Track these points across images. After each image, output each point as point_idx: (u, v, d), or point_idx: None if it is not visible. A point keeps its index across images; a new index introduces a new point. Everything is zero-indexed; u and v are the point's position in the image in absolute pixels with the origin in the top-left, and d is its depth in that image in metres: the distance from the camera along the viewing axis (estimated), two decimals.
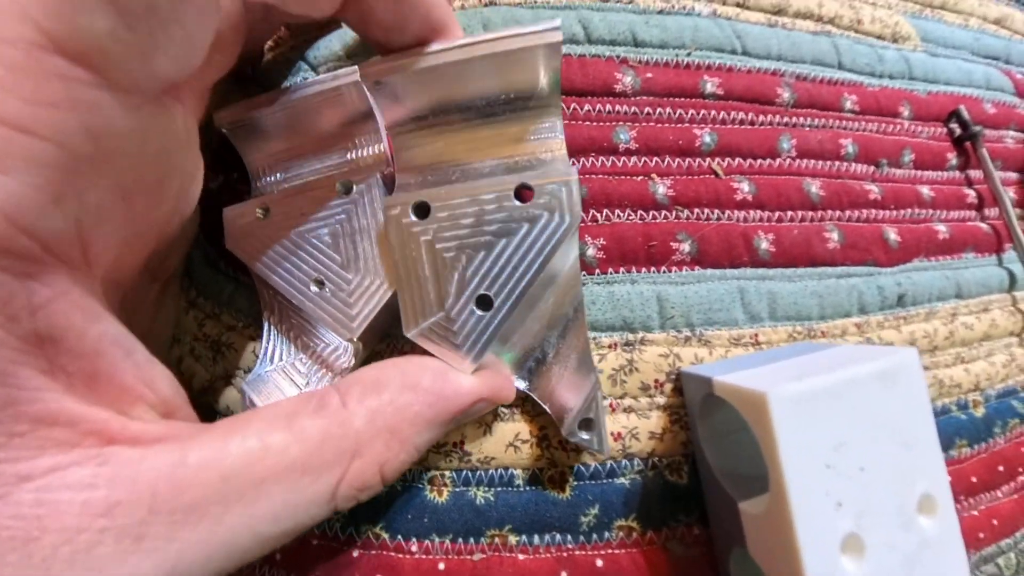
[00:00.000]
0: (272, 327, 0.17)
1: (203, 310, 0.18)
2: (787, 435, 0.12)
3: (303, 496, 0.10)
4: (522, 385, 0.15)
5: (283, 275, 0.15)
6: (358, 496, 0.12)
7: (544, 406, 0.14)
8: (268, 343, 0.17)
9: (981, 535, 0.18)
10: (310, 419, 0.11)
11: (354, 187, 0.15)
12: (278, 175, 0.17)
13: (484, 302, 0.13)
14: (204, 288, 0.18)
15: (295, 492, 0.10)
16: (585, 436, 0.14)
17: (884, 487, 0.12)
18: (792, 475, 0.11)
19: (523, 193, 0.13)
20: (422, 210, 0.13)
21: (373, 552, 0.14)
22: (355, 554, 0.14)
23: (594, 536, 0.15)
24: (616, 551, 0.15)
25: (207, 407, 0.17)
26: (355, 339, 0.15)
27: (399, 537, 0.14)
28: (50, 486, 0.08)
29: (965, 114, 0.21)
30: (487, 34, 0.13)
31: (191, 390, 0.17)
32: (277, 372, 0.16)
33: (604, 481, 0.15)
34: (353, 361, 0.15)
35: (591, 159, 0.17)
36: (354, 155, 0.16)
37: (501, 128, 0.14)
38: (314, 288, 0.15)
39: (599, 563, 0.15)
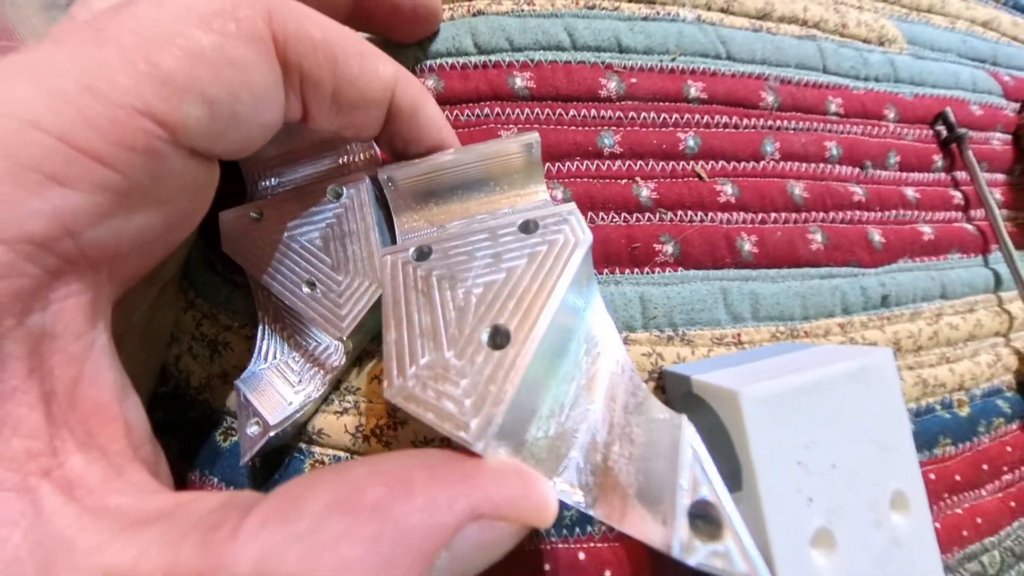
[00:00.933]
0: (267, 327, 0.17)
1: (201, 310, 0.18)
2: (758, 432, 0.12)
3: None
4: (576, 496, 0.10)
5: (276, 277, 0.16)
6: None
7: (624, 529, 0.09)
8: (262, 342, 0.17)
9: (965, 533, 0.18)
10: (191, 545, 0.08)
11: (344, 191, 0.16)
12: (273, 180, 0.18)
13: (498, 337, 0.10)
14: (202, 289, 0.18)
15: None
16: (719, 548, 0.09)
17: (856, 484, 0.13)
18: (763, 471, 0.12)
19: (528, 226, 0.12)
20: (423, 253, 0.13)
21: None
22: None
23: (576, 530, 0.15)
24: (598, 544, 0.15)
25: (204, 404, 0.18)
26: (344, 338, 0.15)
27: None
28: None
29: (951, 116, 0.21)
30: (480, 144, 0.15)
31: (189, 387, 0.18)
32: (271, 370, 0.17)
33: None
34: (344, 359, 0.16)
35: (576, 163, 0.17)
36: (345, 159, 0.17)
37: (493, 195, 0.16)
38: (306, 289, 0.16)
39: (581, 556, 0.15)
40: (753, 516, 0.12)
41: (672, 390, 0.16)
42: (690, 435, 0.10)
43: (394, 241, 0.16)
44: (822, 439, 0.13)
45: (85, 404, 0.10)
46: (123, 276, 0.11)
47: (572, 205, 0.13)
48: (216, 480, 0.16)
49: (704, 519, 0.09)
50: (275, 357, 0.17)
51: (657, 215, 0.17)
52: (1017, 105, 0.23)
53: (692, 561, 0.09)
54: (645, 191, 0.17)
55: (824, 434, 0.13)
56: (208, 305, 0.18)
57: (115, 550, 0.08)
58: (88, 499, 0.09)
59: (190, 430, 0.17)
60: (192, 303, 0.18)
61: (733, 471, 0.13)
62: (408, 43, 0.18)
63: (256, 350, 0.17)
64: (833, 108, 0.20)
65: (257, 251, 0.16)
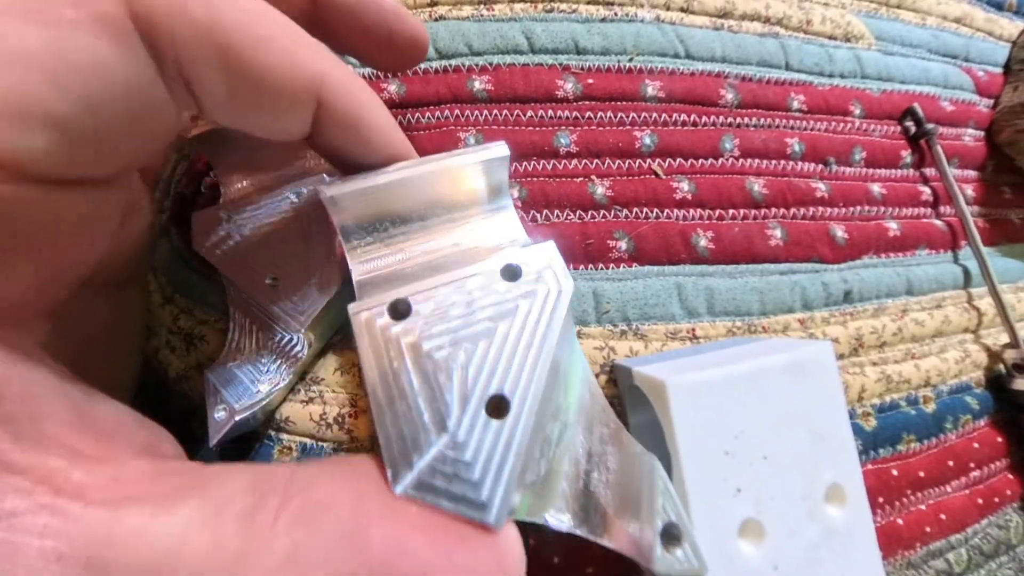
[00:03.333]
0: (237, 320, 0.18)
1: (178, 305, 0.19)
2: (684, 421, 0.12)
3: None
4: (564, 523, 0.10)
5: (243, 273, 0.17)
6: None
7: (604, 542, 0.10)
8: (233, 334, 0.18)
9: (928, 529, 0.18)
10: (233, 525, 0.09)
11: (304, 191, 0.16)
12: (244, 182, 0.18)
13: (498, 406, 0.10)
14: (179, 285, 0.19)
15: None
16: (679, 554, 0.10)
17: (788, 475, 0.13)
18: (688, 460, 0.12)
19: (510, 273, 0.12)
20: (400, 310, 0.11)
21: None
22: None
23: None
24: (547, 531, 0.16)
25: (182, 395, 0.18)
26: (304, 331, 0.16)
27: None
28: (13, 528, 0.08)
29: (919, 112, 0.21)
30: (439, 155, 0.13)
31: (167, 379, 0.19)
32: (240, 361, 0.17)
33: None
34: (307, 350, 0.17)
35: (532, 163, 0.18)
36: (310, 163, 0.18)
37: (456, 213, 0.14)
38: (269, 283, 0.16)
39: (532, 542, 0.15)
40: (682, 505, 0.12)
41: (621, 383, 0.16)
42: (660, 468, 0.12)
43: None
44: (753, 430, 0.13)
45: (53, 434, 0.09)
46: (41, 306, 0.10)
47: (551, 244, 0.12)
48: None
49: (667, 534, 0.11)
50: (244, 349, 0.18)
51: (612, 212, 0.18)
52: (991, 101, 0.23)
53: (661, 568, 0.10)
54: (600, 189, 0.18)
55: (756, 425, 0.13)
56: (185, 300, 0.19)
57: (157, 530, 0.08)
58: (106, 497, 0.09)
59: (170, 419, 0.18)
60: (170, 298, 0.19)
61: (668, 462, 0.13)
62: (393, 72, 0.17)
63: (227, 343, 0.18)
64: (796, 105, 0.20)
65: (226, 249, 0.17)
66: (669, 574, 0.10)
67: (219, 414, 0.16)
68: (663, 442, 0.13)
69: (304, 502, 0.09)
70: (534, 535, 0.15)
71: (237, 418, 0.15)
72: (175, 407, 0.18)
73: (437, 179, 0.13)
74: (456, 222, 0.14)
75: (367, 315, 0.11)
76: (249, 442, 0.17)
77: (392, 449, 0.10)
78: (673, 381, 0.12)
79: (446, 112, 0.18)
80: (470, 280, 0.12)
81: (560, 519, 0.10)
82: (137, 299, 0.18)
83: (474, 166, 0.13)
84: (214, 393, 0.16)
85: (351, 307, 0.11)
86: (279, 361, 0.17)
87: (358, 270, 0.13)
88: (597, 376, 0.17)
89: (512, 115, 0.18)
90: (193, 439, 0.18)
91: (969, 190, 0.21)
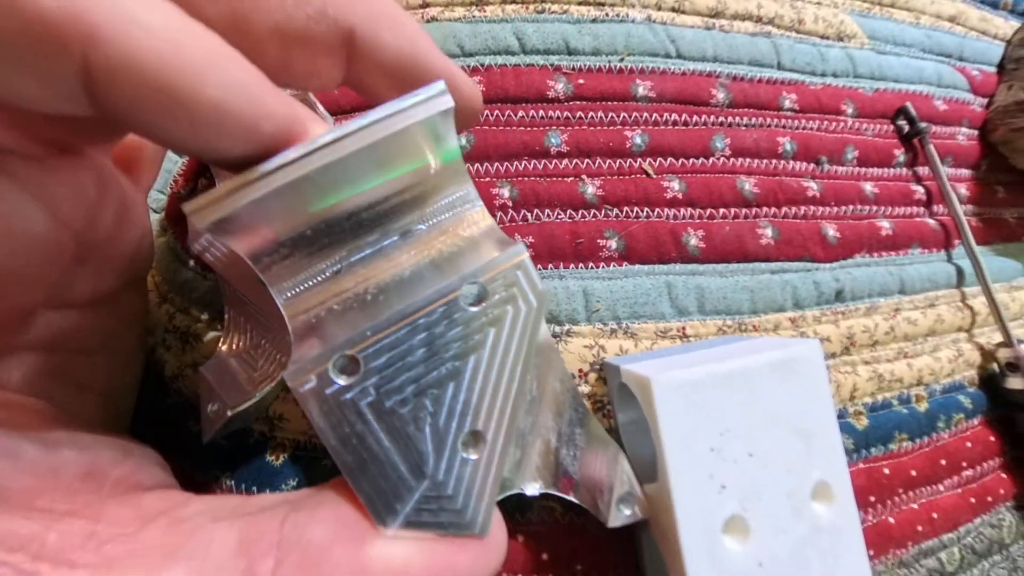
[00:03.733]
0: (231, 318, 0.18)
1: (174, 304, 0.19)
2: (669, 419, 0.12)
3: None
4: (535, 488, 0.12)
5: (237, 271, 0.17)
6: None
7: (570, 497, 0.13)
8: (227, 332, 0.18)
9: (920, 528, 0.18)
10: None
11: None
12: None
13: (473, 441, 0.10)
14: (175, 284, 0.20)
15: None
16: (627, 512, 0.13)
17: (774, 473, 0.13)
18: (673, 457, 0.12)
19: (474, 295, 0.10)
20: (348, 368, 0.09)
21: None
22: None
23: (516, 515, 0.16)
24: (536, 527, 0.16)
25: (178, 392, 0.19)
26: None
27: None
28: None
29: (912, 111, 0.21)
30: (353, 124, 0.09)
31: (163, 377, 0.19)
32: (234, 358, 0.18)
33: None
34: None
35: (523, 162, 0.18)
36: None
37: (403, 226, 0.11)
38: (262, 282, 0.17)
39: (520, 539, 0.16)
40: (665, 502, 0.12)
41: (610, 381, 0.16)
42: (623, 456, 0.14)
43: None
44: (739, 428, 0.13)
45: (16, 480, 0.09)
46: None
47: (520, 247, 0.10)
48: (187, 464, 0.17)
49: (622, 500, 0.13)
50: (238, 346, 0.18)
51: (603, 211, 0.18)
52: (984, 100, 0.23)
53: (614, 523, 0.13)
54: (591, 188, 0.18)
55: (742, 423, 0.13)
56: (180, 299, 0.19)
57: None
58: (90, 561, 0.08)
59: (166, 417, 0.18)
60: (166, 297, 0.20)
61: (651, 458, 0.13)
62: None
63: (221, 340, 0.18)
64: (787, 104, 0.20)
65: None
66: (617, 525, 0.13)
67: (212, 410, 0.16)
68: (650, 439, 0.13)
69: (301, 559, 0.09)
70: (523, 531, 0.16)
71: (230, 414, 0.15)
72: (172, 404, 0.19)
73: (354, 166, 0.09)
74: (396, 217, 0.11)
75: (312, 386, 0.09)
76: (243, 437, 0.18)
77: (374, 504, 0.09)
78: (658, 379, 0.12)
79: None
80: (427, 313, 0.10)
81: (533, 487, 0.12)
82: (135, 303, 0.18)
83: (411, 128, 0.09)
84: (208, 390, 0.16)
85: (287, 375, 0.09)
86: (273, 358, 0.17)
87: (288, 311, 0.10)
88: (587, 374, 0.17)
89: (503, 115, 0.18)
90: (190, 435, 0.18)
91: (963, 189, 0.21)
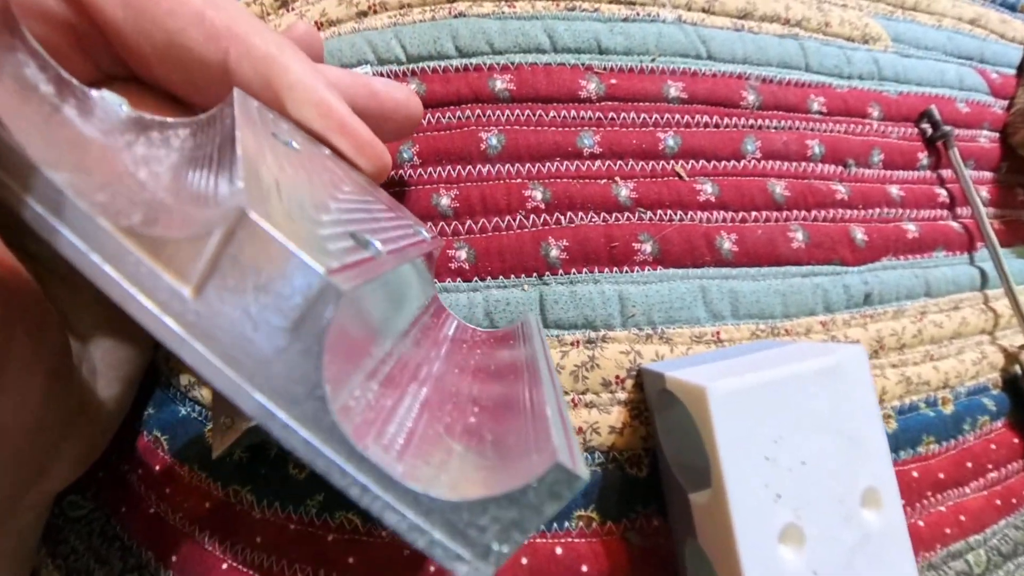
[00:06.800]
0: None
1: None
2: (725, 428, 0.12)
3: None
4: None
5: None
6: None
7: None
8: None
9: (948, 530, 0.18)
10: None
11: None
12: None
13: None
14: None
15: None
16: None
17: (826, 480, 0.13)
18: (730, 467, 0.12)
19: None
20: None
21: (347, 537, 0.15)
22: (329, 539, 0.15)
23: (554, 525, 0.15)
24: (575, 540, 0.15)
25: (194, 401, 0.18)
26: None
27: (370, 523, 0.15)
28: None
29: (936, 114, 0.21)
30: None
31: (179, 386, 0.18)
32: None
33: None
34: None
35: (556, 163, 0.18)
36: None
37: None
38: None
39: (558, 551, 0.15)
40: (720, 512, 0.12)
41: (648, 388, 0.16)
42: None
43: None
44: (791, 435, 0.13)
45: None
46: None
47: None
48: (204, 475, 0.16)
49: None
50: None
51: (636, 214, 0.18)
52: (1005, 102, 0.23)
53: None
54: (624, 191, 0.18)
55: (793, 430, 0.13)
56: None
57: None
58: None
59: (180, 426, 0.18)
60: None
61: (703, 467, 0.13)
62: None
63: None
64: (815, 107, 0.20)
65: None
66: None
67: (224, 424, 0.15)
68: (698, 447, 0.13)
69: None
70: (562, 543, 0.15)
71: (243, 427, 0.15)
72: (187, 415, 0.18)
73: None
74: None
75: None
76: (263, 450, 0.17)
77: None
78: (714, 387, 0.12)
79: (467, 112, 0.18)
80: None
81: None
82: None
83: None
84: (219, 400, 0.16)
85: None
86: None
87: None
88: (624, 380, 0.16)
89: (535, 115, 0.18)
90: (206, 447, 0.17)
91: (984, 191, 0.22)
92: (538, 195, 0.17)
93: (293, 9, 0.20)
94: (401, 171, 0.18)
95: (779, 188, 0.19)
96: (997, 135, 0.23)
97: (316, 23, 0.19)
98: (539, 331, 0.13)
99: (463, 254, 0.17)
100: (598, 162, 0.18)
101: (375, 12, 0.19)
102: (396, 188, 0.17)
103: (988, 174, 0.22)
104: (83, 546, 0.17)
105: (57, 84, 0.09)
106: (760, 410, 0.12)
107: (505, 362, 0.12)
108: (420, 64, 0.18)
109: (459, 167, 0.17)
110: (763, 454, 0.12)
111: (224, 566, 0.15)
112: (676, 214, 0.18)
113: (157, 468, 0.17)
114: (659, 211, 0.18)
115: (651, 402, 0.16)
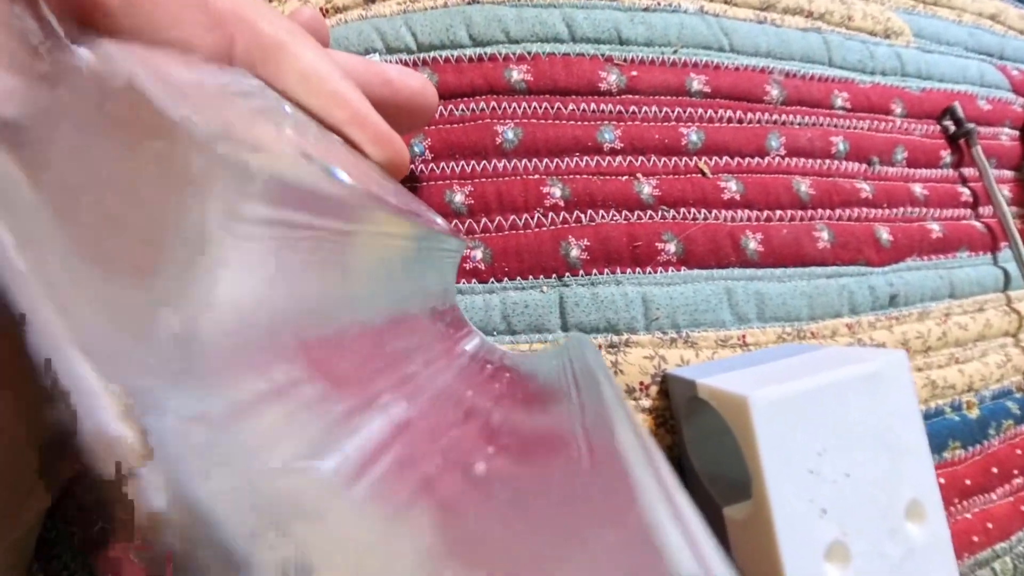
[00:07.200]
0: None
1: None
2: (769, 440, 0.11)
3: None
4: None
5: None
6: None
7: None
8: None
9: (975, 539, 0.18)
10: None
11: None
12: None
13: None
14: None
15: None
16: None
17: (870, 493, 0.12)
18: (774, 481, 0.11)
19: None
20: None
21: None
22: None
23: None
24: None
25: None
26: None
27: None
28: None
29: (959, 111, 0.20)
30: None
31: None
32: None
33: None
34: None
35: (575, 159, 0.17)
36: None
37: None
38: None
39: None
40: (763, 529, 0.11)
41: (676, 394, 0.15)
42: None
43: None
44: (835, 446, 0.12)
45: None
46: None
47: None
48: None
49: None
50: None
51: (659, 213, 0.17)
52: None
53: None
54: (647, 188, 0.17)
55: (837, 441, 0.12)
56: None
57: None
58: None
59: None
60: None
61: (742, 480, 0.12)
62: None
63: None
64: (839, 102, 0.20)
65: None
66: None
67: None
68: (734, 458, 0.12)
69: None
70: None
71: None
72: None
73: None
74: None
75: None
76: None
77: None
78: (757, 396, 0.11)
79: (481, 104, 0.17)
80: None
81: None
82: None
83: None
84: None
85: None
86: None
87: None
88: (648, 387, 0.16)
89: (552, 108, 0.17)
90: None
91: (1006, 190, 0.21)
92: (557, 192, 0.16)
93: None
94: (412, 166, 0.17)
95: (804, 186, 0.18)
96: (1018, 133, 0.22)
97: (322, 9, 0.18)
98: (606, 374, 0.09)
99: (479, 254, 0.16)
100: (619, 158, 0.17)
101: None
102: (407, 184, 0.16)
103: (1009, 173, 0.22)
104: (75, 562, 0.16)
105: None
106: (803, 420, 0.12)
107: (548, 429, 0.08)
108: (432, 53, 0.17)
109: (473, 162, 0.16)
110: (807, 467, 0.12)
111: None
112: (700, 213, 0.17)
113: None
114: (682, 209, 0.17)
115: (678, 410, 0.15)
